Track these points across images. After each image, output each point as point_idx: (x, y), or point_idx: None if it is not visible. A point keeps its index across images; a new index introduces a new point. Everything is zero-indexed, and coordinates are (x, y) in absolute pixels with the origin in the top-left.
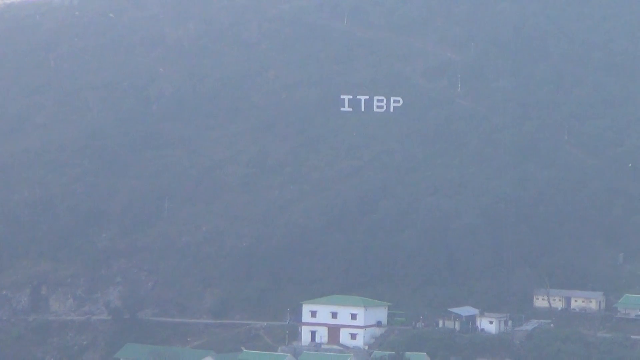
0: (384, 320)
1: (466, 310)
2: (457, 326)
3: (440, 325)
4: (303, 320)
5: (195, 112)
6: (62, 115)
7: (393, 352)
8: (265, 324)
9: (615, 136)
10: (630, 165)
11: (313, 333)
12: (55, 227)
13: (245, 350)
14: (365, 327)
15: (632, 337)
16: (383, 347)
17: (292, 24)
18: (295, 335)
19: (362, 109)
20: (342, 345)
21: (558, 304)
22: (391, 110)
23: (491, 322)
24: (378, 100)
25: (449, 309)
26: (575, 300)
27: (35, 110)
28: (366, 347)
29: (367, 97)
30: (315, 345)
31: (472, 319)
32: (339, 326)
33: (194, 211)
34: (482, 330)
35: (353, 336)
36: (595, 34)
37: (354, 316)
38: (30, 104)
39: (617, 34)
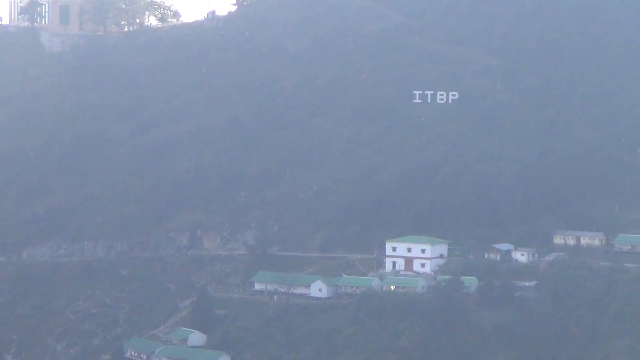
0: (445, 253)
1: (505, 246)
2: (498, 258)
3: (486, 257)
4: (386, 254)
5: (308, 103)
6: (212, 106)
7: (452, 277)
8: (359, 256)
9: (612, 119)
10: (623, 140)
11: (394, 263)
12: (207, 187)
13: (344, 276)
14: (431, 258)
15: (625, 265)
16: (444, 273)
17: (378, 39)
18: (381, 264)
19: (429, 101)
20: (415, 271)
21: (571, 241)
22: (450, 101)
23: (523, 255)
24: (440, 94)
25: (492, 245)
26: (584, 239)
27: (192, 103)
28: (432, 273)
29: (432, 92)
30: (395, 272)
31: (509, 252)
32: (412, 258)
33: (307, 175)
34: (516, 260)
35: (423, 265)
36: (597, 44)
37: (423, 251)
38: (189, 98)
39: (613, 45)
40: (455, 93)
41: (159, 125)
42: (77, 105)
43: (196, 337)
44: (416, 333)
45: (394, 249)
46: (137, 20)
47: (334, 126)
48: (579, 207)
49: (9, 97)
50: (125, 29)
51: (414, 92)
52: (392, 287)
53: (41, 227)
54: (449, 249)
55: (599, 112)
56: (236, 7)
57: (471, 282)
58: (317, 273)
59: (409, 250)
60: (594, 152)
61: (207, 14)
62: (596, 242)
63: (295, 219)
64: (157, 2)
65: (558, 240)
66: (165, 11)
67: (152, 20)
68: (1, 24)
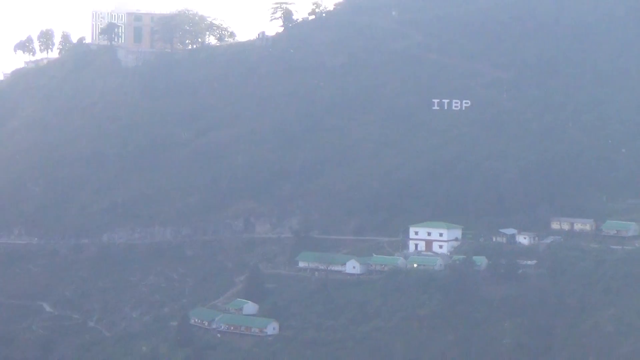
0: (459, 236)
1: (509, 231)
2: (504, 240)
3: (494, 240)
4: (410, 237)
5: (342, 110)
6: (262, 112)
7: (465, 256)
8: (387, 239)
9: (601, 124)
10: (609, 141)
11: (416, 245)
12: (258, 181)
13: (374, 255)
14: (448, 241)
15: (611, 247)
16: (459, 253)
17: (401, 56)
18: (405, 246)
19: (445, 108)
20: (433, 252)
21: (566, 226)
22: (463, 108)
23: (525, 238)
24: (455, 102)
25: (499, 230)
26: (576, 224)
27: (245, 109)
28: (448, 253)
29: (448, 100)
30: (417, 252)
31: (513, 236)
32: (432, 240)
33: (342, 170)
34: (519, 243)
35: (440, 246)
36: (588, 60)
37: (441, 234)
38: (242, 105)
39: (602, 61)
40: (468, 101)
41: (217, 128)
42: (148, 112)
43: (250, 307)
44: (435, 304)
45: (416, 232)
46: (199, 40)
47: (365, 129)
48: (572, 197)
49: (91, 105)
50: (189, 47)
51: (433, 100)
52: (415, 265)
53: (119, 214)
54: (462, 233)
55: (589, 118)
56: (283, 28)
57: (481, 261)
58: (351, 253)
59: (429, 234)
60: (585, 152)
61: (258, 35)
62: (587, 227)
63: (333, 207)
64: (216, 24)
65: (555, 225)
66: (223, 32)
67: (211, 40)
68: (85, 43)
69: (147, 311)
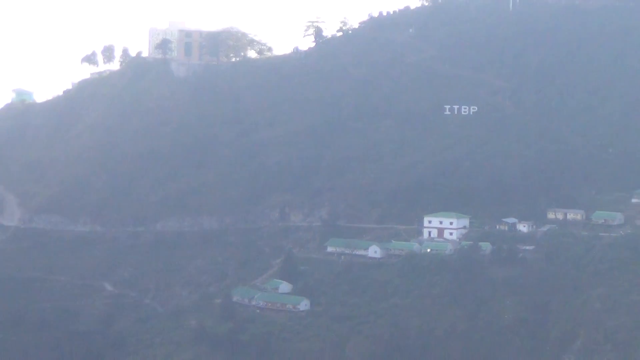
0: (467, 225)
1: (511, 220)
2: (506, 228)
3: (497, 228)
4: (424, 225)
5: (365, 114)
6: (295, 116)
7: (472, 242)
8: (404, 227)
9: (593, 127)
10: (599, 142)
11: (429, 232)
12: (292, 176)
13: (393, 241)
14: (457, 229)
15: (600, 234)
16: (467, 239)
17: (416, 67)
18: (420, 233)
19: (455, 112)
20: (444, 238)
21: (560, 216)
22: (471, 113)
23: (524, 226)
24: (464, 108)
25: (502, 219)
26: (569, 214)
27: (281, 113)
28: (457, 240)
29: (458, 106)
30: (430, 239)
31: (514, 224)
32: (443, 228)
33: (366, 167)
34: (520, 230)
35: (451, 234)
36: (581, 71)
37: (451, 223)
38: (278, 110)
39: (593, 71)
40: (475, 107)
41: (257, 130)
42: (196, 116)
43: (284, 286)
44: (446, 284)
45: (430, 221)
46: (242, 53)
47: (385, 131)
48: (566, 190)
49: (146, 110)
50: (233, 60)
51: (444, 106)
52: (428, 250)
53: (171, 205)
54: (470, 222)
55: (581, 122)
56: (314, 44)
57: (486, 246)
58: (373, 239)
59: (441, 222)
60: (577, 151)
61: (293, 49)
62: (579, 217)
63: (357, 200)
64: (256, 40)
65: (550, 215)
66: (262, 47)
67: (252, 54)
68: (142, 56)
69: (195, 290)
